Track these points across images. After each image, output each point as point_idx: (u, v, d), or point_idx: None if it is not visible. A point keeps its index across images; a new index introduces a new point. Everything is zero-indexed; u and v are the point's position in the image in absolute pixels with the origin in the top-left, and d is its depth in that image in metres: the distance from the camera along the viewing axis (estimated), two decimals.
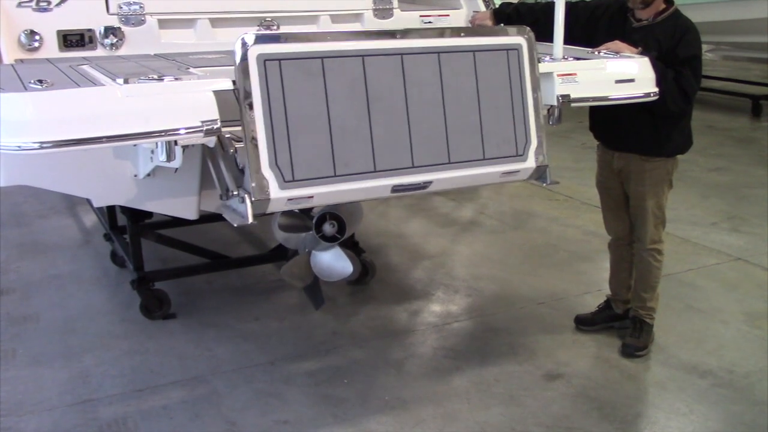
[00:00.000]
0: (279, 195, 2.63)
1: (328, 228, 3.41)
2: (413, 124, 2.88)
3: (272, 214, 2.75)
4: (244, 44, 2.56)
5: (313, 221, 3.39)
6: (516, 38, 3.06)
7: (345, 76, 2.75)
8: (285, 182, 2.64)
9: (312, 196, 2.71)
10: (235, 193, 2.68)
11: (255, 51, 2.58)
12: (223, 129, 2.56)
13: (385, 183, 2.82)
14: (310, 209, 3.42)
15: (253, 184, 2.59)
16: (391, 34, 2.89)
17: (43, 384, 3.66)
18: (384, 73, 2.82)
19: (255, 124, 2.58)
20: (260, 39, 2.61)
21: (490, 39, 3.06)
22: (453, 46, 2.98)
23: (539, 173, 3.15)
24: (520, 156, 3.08)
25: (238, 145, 2.74)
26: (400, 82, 2.85)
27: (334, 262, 3.55)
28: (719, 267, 5.02)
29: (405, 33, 2.93)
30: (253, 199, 2.61)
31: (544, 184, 3.27)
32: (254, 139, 2.58)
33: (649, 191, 3.77)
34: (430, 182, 2.91)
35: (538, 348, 3.97)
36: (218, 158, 2.86)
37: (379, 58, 2.82)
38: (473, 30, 3.19)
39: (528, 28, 3.10)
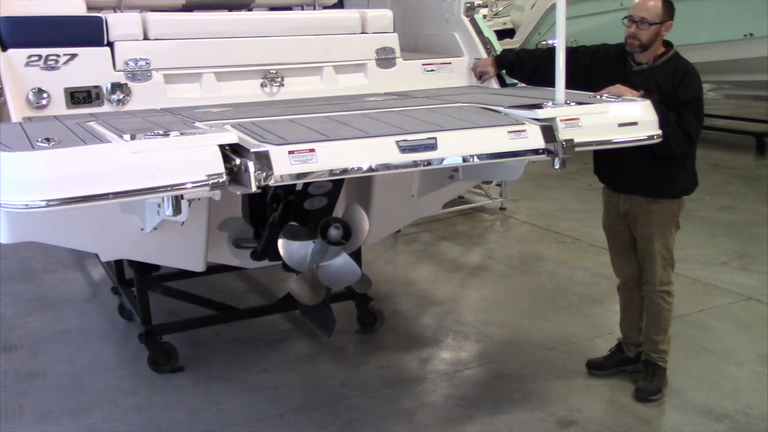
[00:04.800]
0: (278, 149, 2.62)
1: (334, 232, 3.42)
2: (391, 120, 3.03)
3: (278, 181, 2.66)
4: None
5: (318, 228, 3.41)
6: None
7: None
8: (279, 142, 2.67)
9: (313, 150, 2.67)
10: (238, 163, 2.63)
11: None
12: None
13: (388, 140, 2.80)
14: (317, 220, 3.46)
15: (250, 150, 2.61)
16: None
17: None
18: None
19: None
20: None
21: None
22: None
23: (549, 135, 3.05)
24: (518, 121, 3.09)
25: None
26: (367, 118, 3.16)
27: (342, 268, 3.56)
28: (731, 307, 4.98)
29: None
30: (253, 150, 2.58)
31: (557, 167, 3.10)
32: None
33: (657, 233, 3.76)
34: (435, 140, 2.86)
35: (551, 394, 3.92)
36: None
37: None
38: None
39: None
